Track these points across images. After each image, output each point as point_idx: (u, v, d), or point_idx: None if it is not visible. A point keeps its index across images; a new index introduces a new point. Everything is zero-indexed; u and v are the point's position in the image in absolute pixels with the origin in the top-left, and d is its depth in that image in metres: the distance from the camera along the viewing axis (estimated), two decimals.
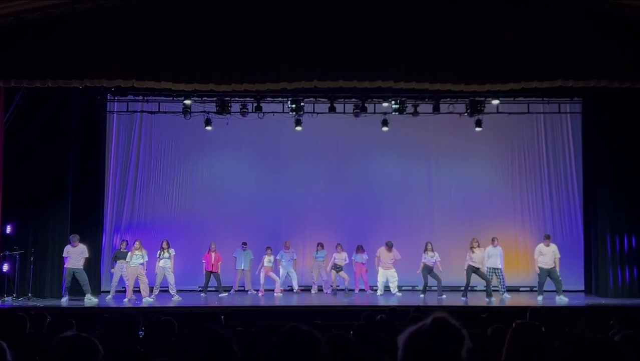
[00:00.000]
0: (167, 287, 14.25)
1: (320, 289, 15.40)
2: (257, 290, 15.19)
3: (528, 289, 15.37)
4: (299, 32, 11.18)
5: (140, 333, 6.09)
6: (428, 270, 14.55)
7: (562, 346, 2.56)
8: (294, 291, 15.39)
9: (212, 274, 14.88)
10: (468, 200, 16.21)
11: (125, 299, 13.73)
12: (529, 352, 3.60)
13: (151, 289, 14.14)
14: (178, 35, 11.21)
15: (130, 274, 13.91)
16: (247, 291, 15.31)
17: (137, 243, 14.13)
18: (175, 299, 13.79)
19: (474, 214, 15.98)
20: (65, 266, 13.65)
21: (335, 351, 3.56)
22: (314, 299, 14.59)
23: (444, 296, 14.27)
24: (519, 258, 15.60)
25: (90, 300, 13.45)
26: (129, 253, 14.04)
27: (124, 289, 14.23)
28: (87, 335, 2.95)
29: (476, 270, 14.13)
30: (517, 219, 16.38)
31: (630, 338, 3.28)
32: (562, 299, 13.48)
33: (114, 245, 15.53)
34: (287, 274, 15.35)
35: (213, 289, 15.05)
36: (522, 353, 3.60)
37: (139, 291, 14.03)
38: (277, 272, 15.27)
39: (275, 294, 14.92)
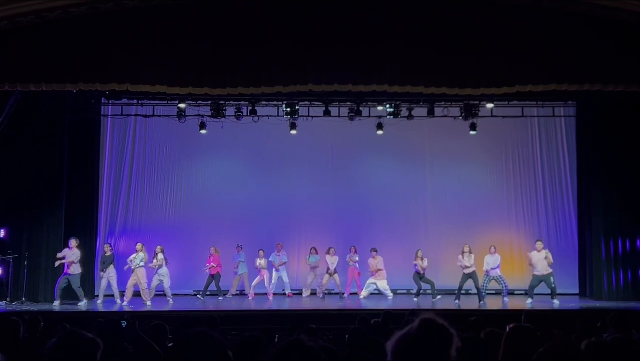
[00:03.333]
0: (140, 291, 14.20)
1: (314, 293, 15.32)
2: (255, 295, 15.13)
3: (523, 292, 15.37)
4: (293, 35, 11.19)
5: (135, 334, 6.07)
6: (419, 276, 14.65)
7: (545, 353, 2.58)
8: (286, 295, 15.26)
9: (213, 278, 14.86)
10: (462, 203, 16.22)
11: (148, 302, 13.67)
12: (525, 355, 3.59)
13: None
14: (173, 39, 11.21)
15: (139, 277, 13.84)
16: (224, 295, 14.96)
17: (138, 245, 14.08)
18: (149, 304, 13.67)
19: (468, 218, 15.99)
20: (66, 271, 13.48)
21: None
22: (308, 303, 14.53)
23: (439, 297, 14.35)
24: (513, 262, 15.60)
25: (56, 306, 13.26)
26: (133, 255, 13.92)
27: (112, 294, 14.08)
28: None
29: (471, 274, 14.19)
30: (512, 223, 16.40)
31: (620, 341, 3.29)
32: (555, 303, 13.59)
33: None
34: (279, 277, 15.23)
35: (211, 293, 15.04)
36: (518, 357, 3.60)
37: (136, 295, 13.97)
38: (269, 274, 15.19)
39: (250, 298, 14.88)
